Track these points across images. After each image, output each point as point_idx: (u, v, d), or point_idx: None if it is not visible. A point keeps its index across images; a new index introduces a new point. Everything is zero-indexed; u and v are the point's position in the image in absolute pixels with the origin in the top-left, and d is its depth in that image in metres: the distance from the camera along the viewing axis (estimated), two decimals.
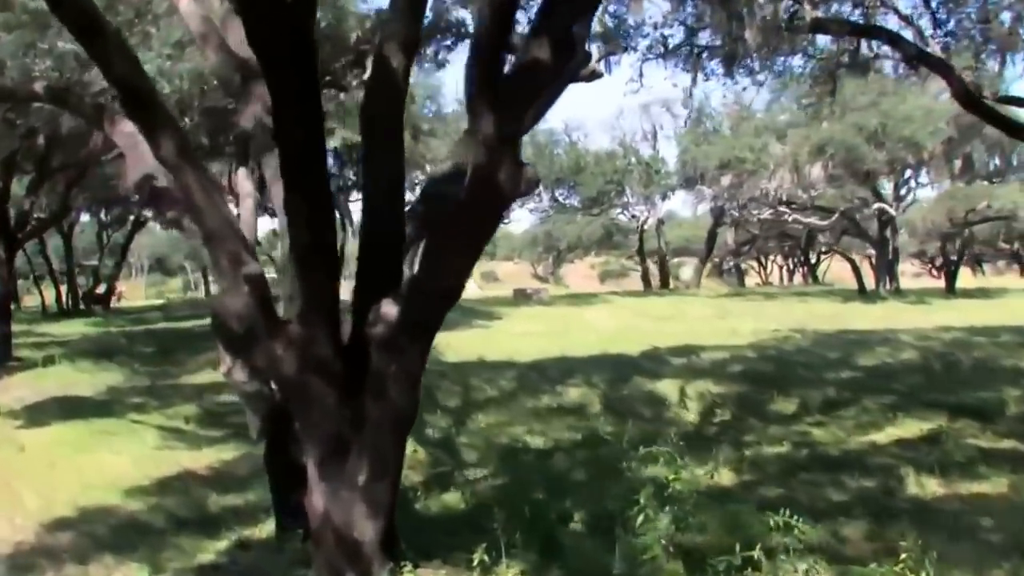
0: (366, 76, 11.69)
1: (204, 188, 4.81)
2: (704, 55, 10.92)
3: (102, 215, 28.34)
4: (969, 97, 9.49)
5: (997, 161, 24.12)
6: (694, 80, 11.14)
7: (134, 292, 40.10)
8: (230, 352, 6.15)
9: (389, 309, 4.79)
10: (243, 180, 7.96)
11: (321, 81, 12.33)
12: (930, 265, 43.40)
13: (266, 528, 6.19)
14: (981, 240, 32.78)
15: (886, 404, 10.50)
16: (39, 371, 14.05)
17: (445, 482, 7.14)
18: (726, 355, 14.48)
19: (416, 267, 4.98)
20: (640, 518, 4.54)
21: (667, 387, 12.15)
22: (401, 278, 5.33)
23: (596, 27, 11.61)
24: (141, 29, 12.07)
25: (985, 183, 24.89)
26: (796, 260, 43.95)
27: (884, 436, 9.13)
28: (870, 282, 30.83)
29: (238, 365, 6.07)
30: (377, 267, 5.16)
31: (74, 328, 20.96)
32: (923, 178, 26.32)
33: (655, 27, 11.13)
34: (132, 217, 27.26)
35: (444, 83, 49.06)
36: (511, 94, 4.42)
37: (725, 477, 7.62)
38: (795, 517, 4.82)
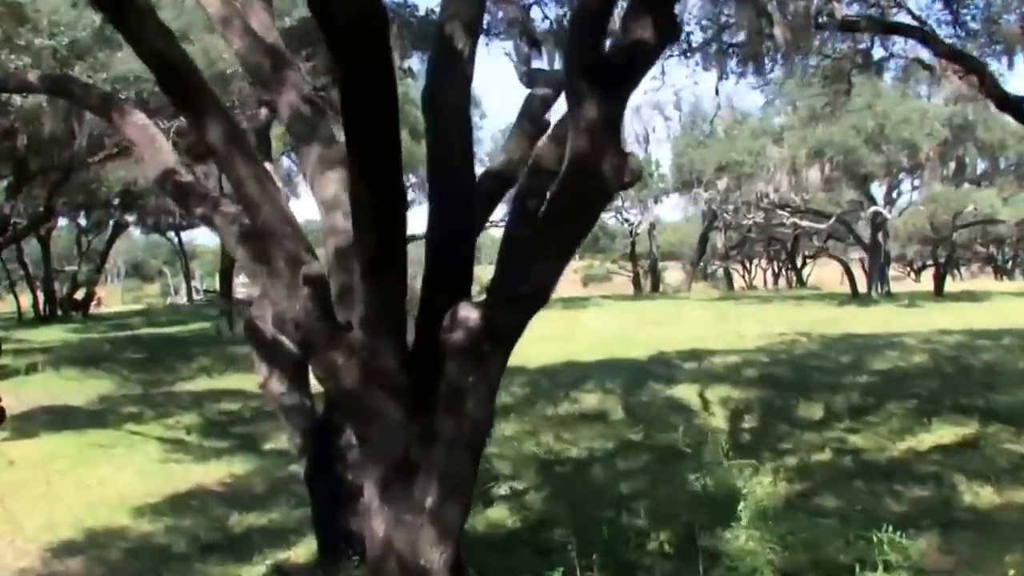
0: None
1: (258, 178, 4.35)
2: (729, 52, 10.62)
3: (80, 220, 27.45)
4: (1002, 96, 9.29)
5: (985, 164, 24.28)
6: (720, 78, 10.84)
7: (111, 298, 39.02)
8: (266, 362, 5.67)
9: (469, 314, 4.34)
10: (272, 176, 7.44)
11: (334, 75, 11.84)
12: (909, 268, 43.88)
13: (301, 551, 5.72)
14: (959, 243, 33.01)
15: (912, 409, 10.27)
16: (22, 379, 13.35)
17: (486, 496, 6.70)
18: (738, 359, 14.22)
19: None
20: (743, 537, 4.16)
21: (685, 392, 11.84)
22: (472, 280, 4.93)
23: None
24: None
25: (973, 187, 25.03)
26: (780, 264, 44.07)
27: (921, 442, 8.87)
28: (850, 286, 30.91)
29: (275, 376, 5.59)
30: (447, 268, 4.74)
31: (54, 334, 20.17)
32: (912, 181, 26.47)
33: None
34: (112, 222, 26.41)
35: None
36: (613, 76, 4.03)
37: (779, 487, 7.30)
38: (898, 533, 4.52)
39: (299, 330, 4.47)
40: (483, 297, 4.67)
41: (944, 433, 9.10)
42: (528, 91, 6.37)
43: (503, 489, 6.83)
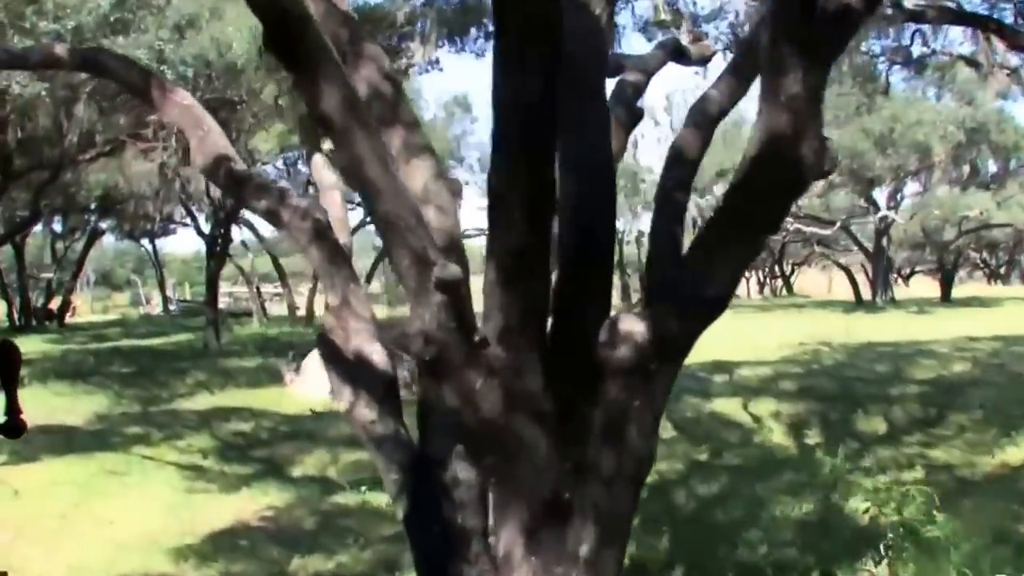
0: (416, 58, 10.46)
1: (381, 159, 3.55)
2: None
3: (54, 225, 26.06)
4: None
5: (997, 167, 24.19)
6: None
7: (83, 307, 37.37)
8: (349, 383, 4.82)
9: (634, 326, 3.58)
10: (322, 169, 6.57)
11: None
12: (896, 275, 44.05)
13: None
14: (952, 248, 32.98)
15: (981, 421, 9.76)
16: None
17: None
18: (768, 371, 13.63)
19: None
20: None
21: (728, 407, 11.22)
22: (611, 284, 4.21)
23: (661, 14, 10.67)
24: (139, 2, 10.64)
25: (974, 191, 24.93)
26: (766, 272, 43.95)
27: (1012, 457, 8.33)
28: (841, 292, 30.69)
29: (363, 400, 4.73)
30: (587, 266, 3.99)
31: (31, 345, 18.86)
32: (912, 187, 26.32)
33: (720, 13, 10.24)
34: (89, 227, 25.13)
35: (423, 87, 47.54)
36: (817, 47, 3.34)
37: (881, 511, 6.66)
38: None
39: (430, 346, 3.66)
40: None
41: None
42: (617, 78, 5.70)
43: None
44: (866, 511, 5.77)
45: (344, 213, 6.67)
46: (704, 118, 4.78)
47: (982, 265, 39.62)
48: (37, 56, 6.73)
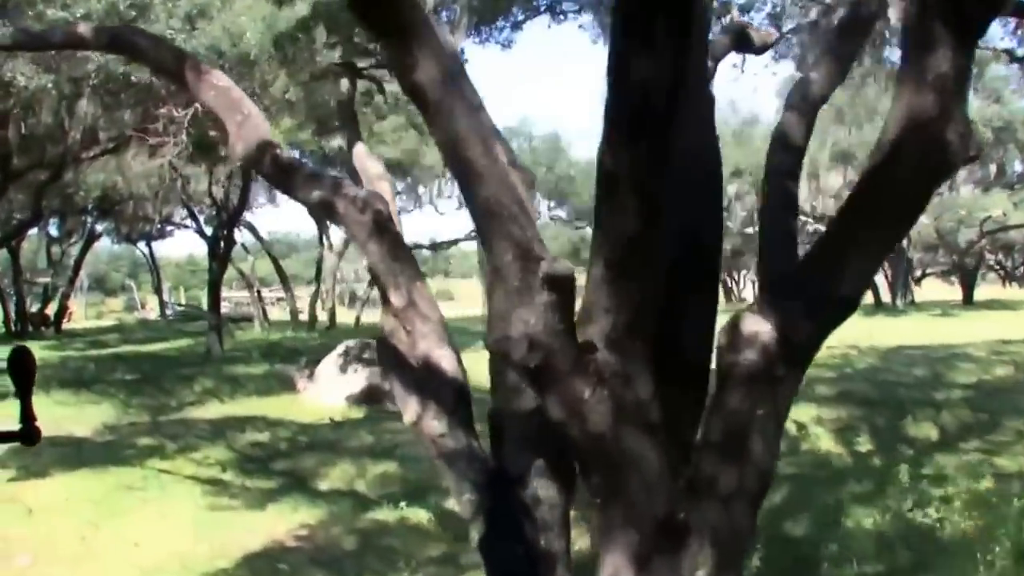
0: None
1: (483, 139, 3.10)
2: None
3: (49, 228, 25.38)
4: None
5: (1021, 167, 23.80)
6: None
7: (76, 313, 36.59)
8: (416, 393, 4.33)
9: (758, 327, 3.15)
10: (366, 158, 6.08)
11: (368, 61, 10.33)
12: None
13: None
14: (967, 251, 32.50)
15: None
16: (10, 402, 11.61)
17: None
18: None
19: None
20: None
21: None
22: (719, 281, 3.79)
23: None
24: None
25: (998, 191, 24.48)
26: None
27: None
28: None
29: (431, 412, 4.25)
30: (692, 267, 3.57)
31: None
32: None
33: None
34: (87, 230, 24.50)
35: None
36: (969, 22, 2.95)
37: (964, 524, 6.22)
38: None
39: (535, 352, 3.18)
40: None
41: None
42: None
43: None
44: (980, 523, 5.34)
45: (395, 205, 6.19)
46: (805, 103, 4.43)
47: (997, 267, 38.94)
48: (59, 36, 6.22)
